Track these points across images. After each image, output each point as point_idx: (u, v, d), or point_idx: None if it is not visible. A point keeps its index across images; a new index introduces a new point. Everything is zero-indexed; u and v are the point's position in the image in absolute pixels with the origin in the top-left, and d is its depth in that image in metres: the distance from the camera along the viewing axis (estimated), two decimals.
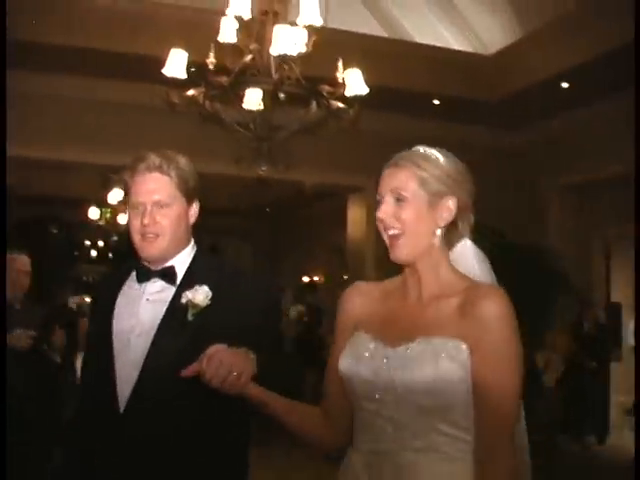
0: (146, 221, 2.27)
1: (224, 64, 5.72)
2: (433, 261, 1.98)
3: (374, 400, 1.94)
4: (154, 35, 7.12)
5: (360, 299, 2.10)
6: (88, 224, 11.42)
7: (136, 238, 2.32)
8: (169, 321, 2.28)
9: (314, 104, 5.94)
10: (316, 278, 14.61)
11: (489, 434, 1.86)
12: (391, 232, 1.95)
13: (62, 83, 8.37)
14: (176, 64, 5.78)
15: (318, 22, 5.51)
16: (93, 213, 11.29)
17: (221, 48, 5.68)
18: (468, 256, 2.05)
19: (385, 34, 9.34)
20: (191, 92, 5.87)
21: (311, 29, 5.55)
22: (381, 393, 1.92)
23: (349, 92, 5.81)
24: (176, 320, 2.27)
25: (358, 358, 1.97)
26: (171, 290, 2.33)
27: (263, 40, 5.64)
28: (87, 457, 2.31)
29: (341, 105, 5.86)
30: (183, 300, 2.27)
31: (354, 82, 5.80)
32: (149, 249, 2.30)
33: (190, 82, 5.88)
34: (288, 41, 5.35)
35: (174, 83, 5.84)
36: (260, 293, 2.41)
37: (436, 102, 9.17)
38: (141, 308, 2.32)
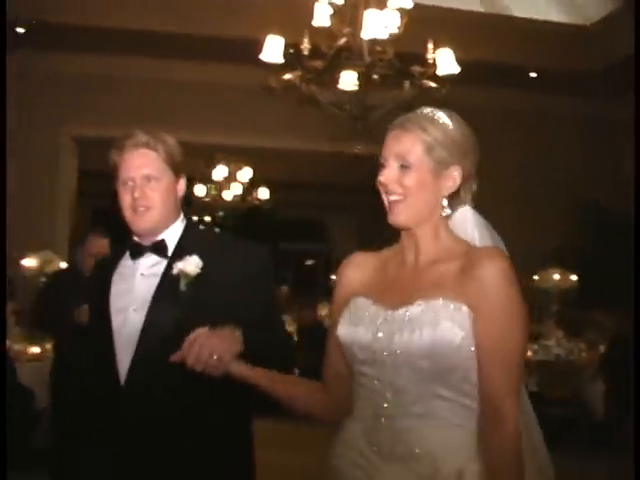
0: (137, 194, 2.32)
1: (319, 47, 5.93)
2: (432, 227, 1.93)
3: (374, 364, 1.89)
4: (250, 18, 7.35)
5: (357, 269, 2.06)
6: (194, 201, 11.86)
7: (127, 213, 2.36)
8: (162, 293, 2.33)
9: (407, 84, 6.09)
10: None
11: (493, 397, 1.81)
12: (392, 197, 1.90)
13: (168, 67, 8.74)
14: (273, 49, 6.03)
15: (409, 4, 5.65)
16: (199, 190, 11.73)
17: (315, 32, 5.89)
18: (468, 222, 2.00)
19: (482, 9, 9.32)
20: (288, 76, 6.12)
21: (402, 11, 5.70)
22: (381, 356, 1.88)
23: (441, 71, 5.92)
24: (169, 291, 2.31)
25: (357, 322, 1.93)
26: (164, 263, 2.37)
27: (355, 23, 5.81)
28: (89, 432, 2.39)
29: (433, 84, 5.99)
30: (174, 271, 2.31)
31: (445, 61, 5.91)
32: (140, 222, 2.35)
33: (287, 66, 6.13)
34: (379, 25, 5.52)
35: (271, 67, 6.11)
36: (250, 260, 2.43)
37: (533, 75, 9.13)
38: (136, 283, 2.38)
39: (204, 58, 8.49)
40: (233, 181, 11.76)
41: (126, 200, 2.34)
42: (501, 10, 9.41)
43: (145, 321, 2.30)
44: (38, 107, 8.44)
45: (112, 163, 2.38)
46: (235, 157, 11.29)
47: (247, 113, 8.75)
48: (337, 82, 6.13)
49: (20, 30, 7.73)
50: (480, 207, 1.99)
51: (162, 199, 2.36)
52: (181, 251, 2.35)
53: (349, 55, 5.93)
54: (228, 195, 11.95)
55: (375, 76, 6.03)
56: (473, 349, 1.82)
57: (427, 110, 1.93)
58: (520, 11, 9.22)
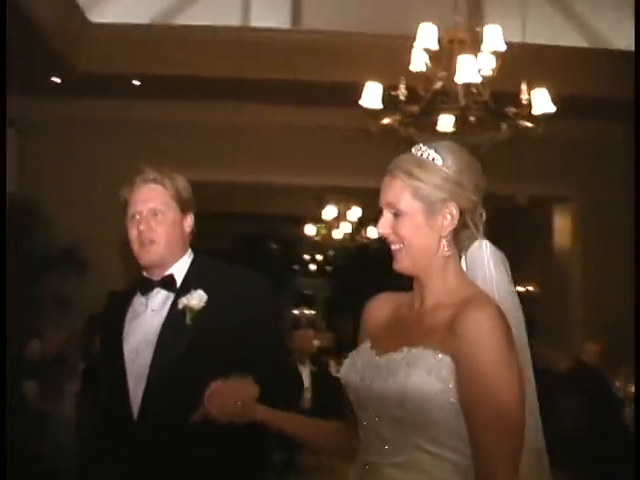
0: (142, 227, 2.37)
1: (415, 91, 6.12)
2: (438, 269, 1.85)
3: (362, 409, 1.86)
4: (346, 64, 7.58)
5: (377, 310, 2.02)
6: (305, 240, 12.18)
7: (135, 246, 2.40)
8: (169, 327, 2.36)
9: (504, 126, 6.19)
10: (530, 288, 14.50)
11: (484, 463, 1.68)
12: (393, 247, 1.86)
13: (273, 113, 9.10)
14: (371, 95, 6.27)
15: (502, 47, 5.77)
16: (309, 229, 12.07)
17: (412, 76, 6.08)
18: (484, 257, 1.89)
19: (585, 43, 9.27)
20: (386, 121, 6.34)
21: (496, 54, 5.83)
22: (365, 402, 1.84)
23: (536, 111, 6.00)
24: (176, 326, 2.35)
25: (352, 366, 1.91)
26: (172, 297, 2.41)
27: (450, 67, 5.97)
28: (107, 466, 2.41)
29: (529, 124, 6.06)
30: (180, 306, 2.35)
31: (541, 101, 5.98)
32: (146, 255, 2.39)
33: (385, 109, 6.34)
34: (472, 69, 5.66)
35: (370, 112, 6.33)
36: (255, 292, 2.45)
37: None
38: (146, 319, 2.41)
39: (310, 103, 8.80)
40: (342, 220, 12.04)
41: (133, 233, 2.39)
42: (600, 42, 9.33)
43: (153, 356, 2.33)
44: (149, 153, 8.94)
45: (122, 200, 2.44)
46: (344, 197, 11.57)
47: (354, 155, 8.97)
48: (434, 124, 6.30)
49: (136, 82, 8.27)
50: None
51: (167, 233, 2.40)
52: (187, 285, 2.39)
53: (445, 98, 6.09)
54: (338, 234, 12.24)
55: (472, 118, 6.16)
56: (455, 401, 1.71)
57: (415, 150, 1.88)
58: (618, 41, 9.13)
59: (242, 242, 14.00)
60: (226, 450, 2.31)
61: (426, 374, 1.71)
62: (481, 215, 1.88)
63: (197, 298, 2.34)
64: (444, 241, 1.84)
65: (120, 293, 2.64)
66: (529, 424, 1.75)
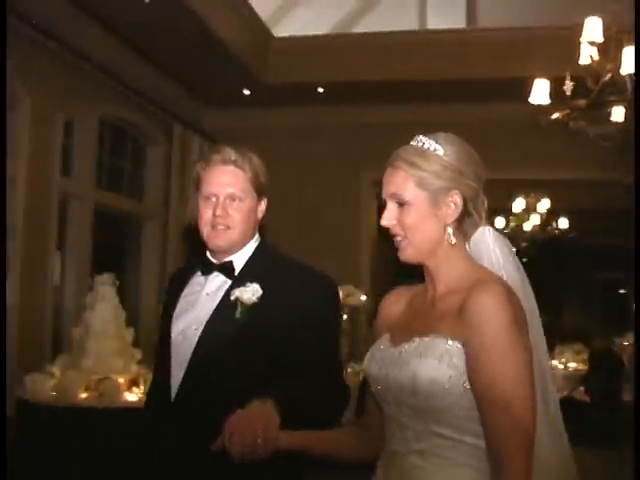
0: (219, 212, 2.28)
1: (584, 83, 6.13)
2: (444, 257, 1.85)
3: (383, 399, 1.88)
4: (520, 58, 7.59)
5: (393, 304, 2.03)
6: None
7: (205, 228, 2.32)
8: (217, 316, 2.29)
9: None
10: None
11: (497, 449, 1.66)
12: (397, 238, 1.87)
13: (452, 111, 9.25)
14: (540, 92, 6.34)
15: None
16: (499, 222, 12.09)
17: (579, 70, 6.10)
18: (489, 242, 1.88)
19: None
20: (555, 115, 6.39)
21: None
22: (384, 393, 1.86)
23: None
24: (226, 315, 2.27)
25: (372, 357, 1.93)
26: (228, 284, 2.33)
27: (616, 59, 5.92)
28: (142, 442, 2.41)
29: None
30: (232, 297, 2.27)
31: None
32: (217, 240, 2.31)
33: (555, 103, 6.39)
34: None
35: (539, 107, 6.41)
36: (313, 291, 2.33)
37: None
38: (200, 302, 2.35)
39: (488, 99, 8.88)
40: (532, 212, 11.95)
41: (206, 215, 2.31)
42: None
43: (198, 341, 2.28)
44: (343, 154, 9.39)
45: (196, 175, 2.37)
46: (533, 189, 11.51)
47: (543, 147, 8.95)
48: (603, 116, 6.28)
49: (320, 89, 8.74)
50: None
51: (242, 220, 2.31)
52: (245, 275, 2.31)
53: (613, 90, 6.04)
54: (528, 226, 12.16)
55: None
56: (467, 387, 1.71)
57: (416, 141, 1.89)
58: None
59: None
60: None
61: (437, 362, 1.71)
62: (483, 202, 1.89)
63: (250, 292, 2.26)
64: (449, 229, 1.84)
65: (183, 271, 2.56)
66: (545, 398, 1.76)
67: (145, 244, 8.90)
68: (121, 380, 5.57)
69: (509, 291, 1.74)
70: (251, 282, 2.28)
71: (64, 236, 7.42)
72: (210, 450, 1.96)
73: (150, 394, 2.55)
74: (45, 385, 5.41)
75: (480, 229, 1.90)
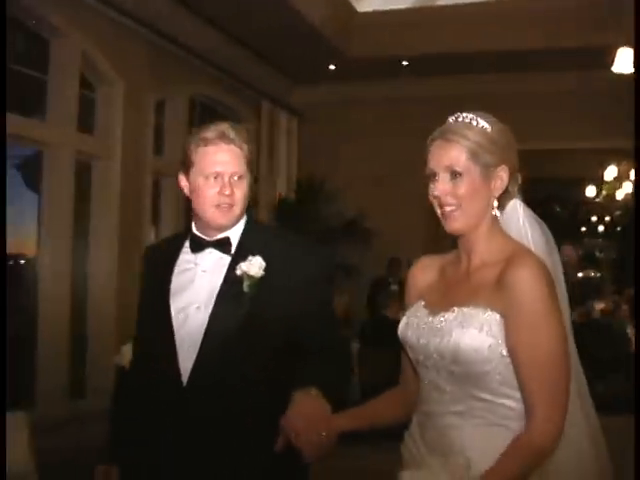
0: (227, 192, 2.25)
1: None
2: (486, 229, 1.95)
3: (420, 365, 1.98)
4: (601, 28, 7.45)
5: (422, 272, 2.11)
6: (586, 201, 12.03)
7: (209, 208, 2.28)
8: (225, 293, 2.26)
9: None
10: None
11: (529, 403, 1.80)
12: (448, 209, 1.93)
13: (550, 80, 9.15)
14: (623, 61, 6.28)
15: None
16: (590, 191, 11.93)
17: None
18: (519, 215, 1.99)
19: None
20: None
21: None
22: (423, 359, 1.95)
23: None
24: (232, 291, 2.25)
25: (408, 325, 2.01)
26: (225, 260, 2.31)
27: None
28: (148, 430, 2.32)
29: None
30: (238, 272, 2.25)
31: None
32: (222, 219, 2.28)
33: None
34: None
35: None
36: (311, 261, 2.36)
37: None
38: (197, 279, 2.31)
39: (573, 69, 8.75)
40: (625, 180, 11.73)
41: (209, 194, 2.26)
42: None
43: (209, 321, 2.25)
44: (427, 126, 9.41)
45: (190, 153, 2.29)
46: (625, 157, 11.29)
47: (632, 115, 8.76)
48: None
49: (404, 62, 8.80)
50: None
51: (243, 198, 2.30)
52: (244, 250, 2.30)
53: None
54: (620, 194, 11.95)
55: None
56: (505, 354, 1.83)
57: (463, 116, 1.96)
58: None
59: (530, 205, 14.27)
60: (272, 422, 2.11)
61: (477, 331, 1.82)
62: (517, 178, 1.98)
63: (257, 265, 2.25)
64: (495, 202, 1.94)
65: (163, 248, 2.53)
66: (577, 378, 1.88)
67: None
68: None
69: (543, 265, 1.85)
70: (253, 255, 2.27)
71: (158, 212, 7.76)
72: (226, 433, 2.18)
73: (144, 372, 2.39)
74: None
75: (512, 202, 1.99)
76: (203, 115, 8.51)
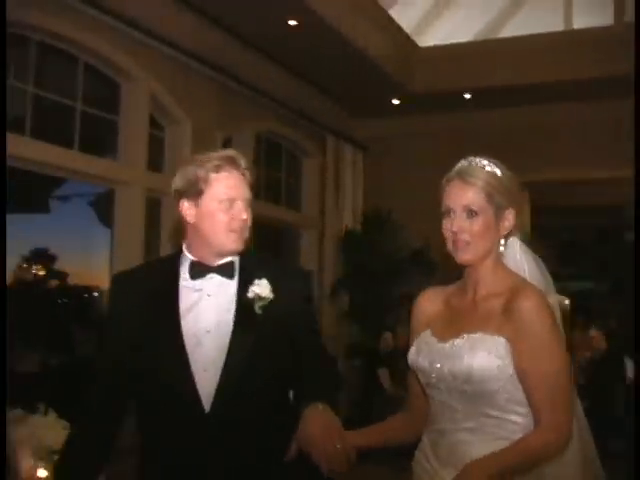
0: (244, 216, 2.29)
1: None
2: (491, 263, 2.15)
3: (432, 387, 2.14)
4: None
5: (429, 303, 2.30)
6: None
7: (224, 233, 2.30)
8: (242, 316, 2.30)
9: None
10: None
11: (537, 412, 2.01)
12: (461, 243, 2.13)
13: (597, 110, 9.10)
14: None
15: None
16: None
17: None
18: (516, 252, 2.21)
19: None
20: None
21: None
22: (436, 382, 2.11)
23: None
24: (246, 315, 2.30)
25: (419, 352, 2.18)
26: (228, 284, 2.34)
27: None
28: (169, 457, 2.29)
29: None
30: (250, 295, 2.30)
31: None
32: (234, 244, 2.30)
33: None
34: None
35: None
36: (302, 281, 2.48)
37: None
38: (202, 304, 2.32)
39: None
40: None
41: (223, 219, 2.28)
42: None
43: (230, 344, 2.27)
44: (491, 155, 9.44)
45: (201, 179, 2.29)
46: None
47: None
48: None
49: (467, 95, 8.89)
50: None
51: (249, 222, 2.34)
52: (246, 274, 2.35)
53: None
54: None
55: None
56: (512, 374, 2.02)
57: (477, 161, 2.18)
58: None
59: (597, 234, 14.06)
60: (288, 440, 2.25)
61: (487, 354, 2.03)
62: (518, 218, 2.21)
63: (266, 287, 2.32)
64: (502, 240, 2.18)
65: (145, 276, 2.47)
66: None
67: (303, 251, 9.37)
68: None
69: (543, 295, 2.09)
70: (258, 278, 2.33)
71: None
72: (250, 456, 2.23)
73: (153, 401, 2.34)
74: None
75: (511, 239, 2.22)
76: (269, 150, 8.76)
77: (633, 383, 6.40)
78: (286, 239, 9.44)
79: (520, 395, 2.06)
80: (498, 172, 2.15)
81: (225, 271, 2.35)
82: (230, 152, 2.38)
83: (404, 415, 2.40)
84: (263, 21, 6.89)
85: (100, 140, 6.55)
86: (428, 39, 8.75)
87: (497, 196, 2.12)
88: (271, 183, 8.83)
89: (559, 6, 8.64)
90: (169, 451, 2.29)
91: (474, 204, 2.12)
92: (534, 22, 8.43)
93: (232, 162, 2.32)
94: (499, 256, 2.19)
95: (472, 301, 2.19)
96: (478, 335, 2.07)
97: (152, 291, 2.35)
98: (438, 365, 2.12)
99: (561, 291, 2.43)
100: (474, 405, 2.07)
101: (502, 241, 2.17)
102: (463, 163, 2.21)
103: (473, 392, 2.05)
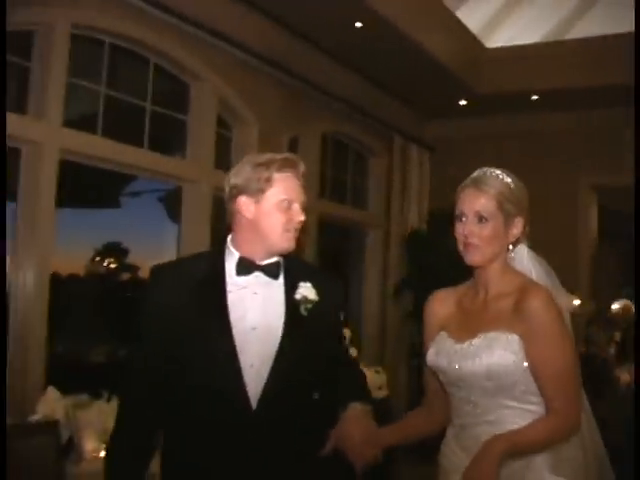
0: (302, 218, 2.41)
1: None
2: (499, 266, 2.32)
3: (453, 385, 2.32)
4: None
5: (440, 305, 2.47)
6: None
7: (279, 232, 2.39)
8: (290, 317, 2.39)
9: None
10: None
11: (548, 400, 2.20)
12: (472, 244, 2.30)
13: None
14: None
15: None
16: None
17: None
18: (524, 258, 2.39)
19: None
20: None
21: None
22: (457, 380, 2.29)
23: None
24: (294, 315, 2.39)
25: (438, 353, 2.35)
26: (274, 284, 2.42)
27: None
28: (214, 453, 2.32)
29: None
30: (298, 296, 2.41)
31: None
32: (288, 243, 2.40)
33: None
34: None
35: None
36: (337, 287, 2.61)
37: None
38: (248, 302, 2.37)
39: None
40: None
41: (281, 219, 2.37)
42: None
43: (281, 343, 2.34)
44: (560, 160, 9.39)
45: (265, 178, 2.38)
46: None
47: None
48: None
49: (534, 97, 8.84)
50: None
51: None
52: (291, 275, 2.46)
53: None
54: None
55: None
56: (525, 368, 2.21)
57: (491, 171, 2.34)
58: None
59: None
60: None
61: (503, 351, 2.21)
62: (526, 228, 2.40)
63: (312, 290, 2.43)
64: (510, 246, 2.35)
65: (187, 270, 2.48)
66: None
67: (368, 250, 9.46)
68: None
69: (550, 294, 2.26)
70: (303, 281, 2.44)
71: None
72: (295, 455, 2.32)
73: (197, 403, 2.35)
74: None
75: (518, 247, 2.41)
76: (335, 151, 8.87)
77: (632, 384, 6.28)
78: (352, 238, 9.53)
79: (534, 386, 2.23)
80: (510, 182, 2.30)
81: (271, 270, 2.42)
82: (292, 156, 2.48)
83: (422, 411, 2.60)
84: (330, 24, 7.00)
85: (169, 139, 6.77)
86: (495, 40, 8.73)
87: (507, 204, 2.28)
88: (337, 182, 8.94)
89: (629, 7, 8.49)
90: (203, 451, 2.30)
91: (485, 210, 2.28)
92: (605, 22, 8.33)
93: (294, 165, 2.43)
94: (507, 259, 2.35)
95: (483, 301, 2.35)
96: (493, 334, 2.23)
97: (197, 284, 2.37)
98: (457, 365, 2.28)
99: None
100: (493, 399, 2.24)
101: (510, 247, 2.34)
102: (479, 172, 2.36)
103: (493, 387, 2.22)
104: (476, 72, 8.67)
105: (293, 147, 7.99)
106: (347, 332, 6.56)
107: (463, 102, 9.17)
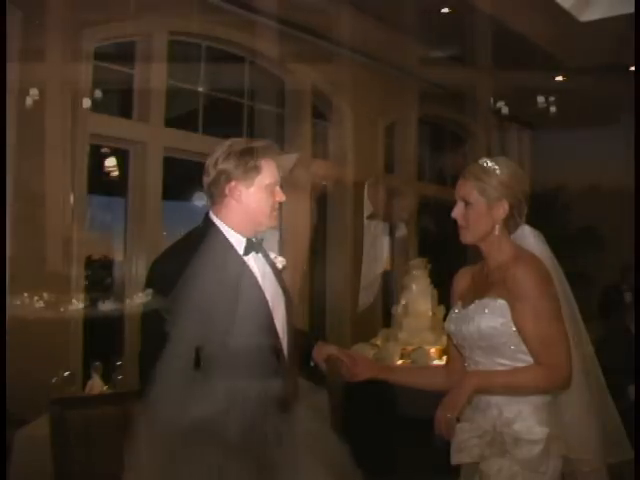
0: (283, 198, 2.64)
1: None
2: (494, 243, 2.53)
3: (460, 347, 2.63)
4: None
5: (462, 280, 2.74)
6: None
7: (266, 213, 2.61)
8: (284, 284, 2.71)
9: None
10: None
11: (535, 357, 2.41)
12: (461, 226, 2.55)
13: None
14: None
15: None
16: None
17: None
18: (525, 236, 2.57)
19: None
20: None
21: None
22: (461, 341, 2.59)
23: None
24: (283, 283, 2.71)
25: (450, 320, 2.66)
26: (259, 258, 2.65)
27: None
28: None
29: None
30: (280, 265, 2.74)
31: None
32: (273, 221, 2.64)
33: None
34: None
35: None
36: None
37: None
38: (261, 277, 2.61)
39: None
40: None
41: (268, 202, 2.60)
42: None
43: (286, 306, 2.68)
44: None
45: (253, 164, 2.56)
46: None
47: None
48: None
49: (632, 68, 8.69)
50: None
51: None
52: (263, 248, 2.69)
53: None
54: None
55: None
56: (514, 330, 2.43)
57: (485, 161, 2.56)
58: None
59: None
60: None
61: (491, 315, 2.47)
62: (524, 209, 2.57)
63: (280, 259, 2.76)
64: (497, 226, 2.53)
65: (219, 244, 2.60)
66: (580, 340, 2.52)
67: None
68: (432, 350, 6.33)
69: (539, 261, 2.49)
70: (268, 251, 2.72)
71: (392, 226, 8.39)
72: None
73: (252, 359, 2.49)
74: (367, 353, 6.33)
75: (520, 227, 2.59)
76: (433, 133, 9.02)
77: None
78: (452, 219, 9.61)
79: (524, 346, 2.45)
80: (498, 170, 2.52)
81: (260, 246, 2.65)
82: (268, 142, 2.67)
83: (443, 369, 2.94)
84: (418, 10, 7.15)
85: (268, 132, 7.08)
86: (589, 14, 8.62)
87: (490, 190, 2.50)
88: (434, 164, 9.08)
89: None
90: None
91: (468, 196, 2.53)
92: None
93: (274, 151, 2.67)
94: (502, 237, 2.55)
95: (486, 274, 2.60)
96: (485, 300, 2.49)
97: (232, 259, 2.57)
98: (459, 328, 2.58)
99: None
100: (490, 357, 2.51)
101: (497, 226, 2.52)
102: (472, 164, 2.60)
103: (487, 347, 2.50)
104: (570, 47, 8.60)
105: (389, 134, 8.20)
106: (440, 309, 6.77)
107: (559, 78, 9.12)
